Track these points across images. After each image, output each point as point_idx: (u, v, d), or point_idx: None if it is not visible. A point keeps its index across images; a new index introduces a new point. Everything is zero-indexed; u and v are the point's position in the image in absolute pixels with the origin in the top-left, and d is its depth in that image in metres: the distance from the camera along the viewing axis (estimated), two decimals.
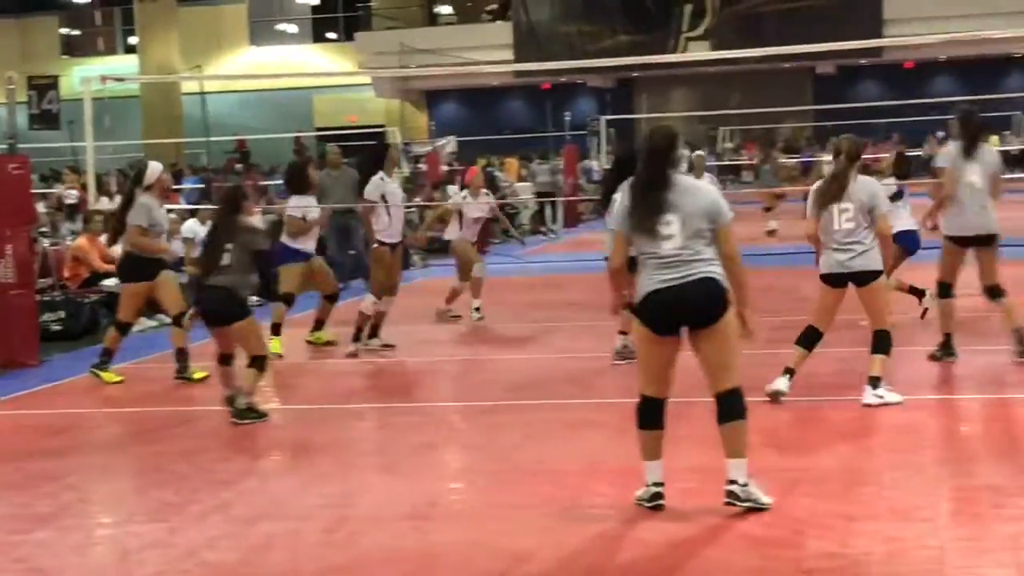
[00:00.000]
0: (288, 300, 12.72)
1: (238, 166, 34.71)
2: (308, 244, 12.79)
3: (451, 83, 47.92)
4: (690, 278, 6.31)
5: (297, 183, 12.99)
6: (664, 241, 6.33)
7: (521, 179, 33.07)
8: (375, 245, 12.46)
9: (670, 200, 6.34)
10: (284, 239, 12.60)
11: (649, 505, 6.53)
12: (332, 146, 19.19)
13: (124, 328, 11.42)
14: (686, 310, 6.35)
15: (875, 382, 8.78)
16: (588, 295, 15.61)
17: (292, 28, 50.91)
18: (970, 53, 42.41)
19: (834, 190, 8.90)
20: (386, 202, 12.37)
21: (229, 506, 7.23)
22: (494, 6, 48.52)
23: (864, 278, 8.83)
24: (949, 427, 8.53)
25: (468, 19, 49.50)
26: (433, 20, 50.27)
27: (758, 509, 6.35)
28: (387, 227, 12.36)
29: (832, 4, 41.46)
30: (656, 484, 6.55)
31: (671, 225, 6.32)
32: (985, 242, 10.22)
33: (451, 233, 14.71)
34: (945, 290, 10.34)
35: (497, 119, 47.12)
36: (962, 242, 10.26)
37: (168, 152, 35.98)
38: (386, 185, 12.49)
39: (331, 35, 50.84)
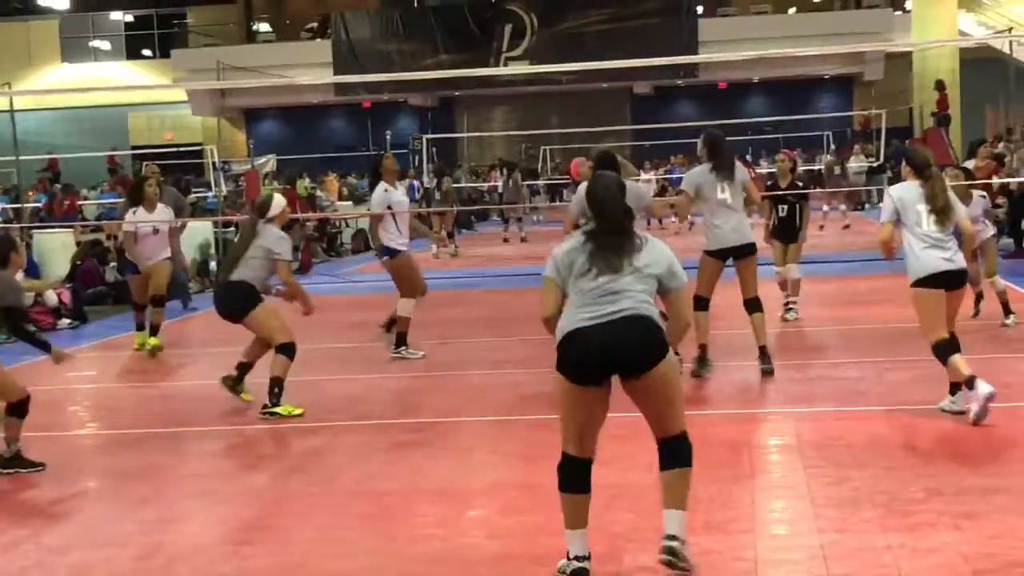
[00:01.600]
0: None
1: (57, 186, 33.80)
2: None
3: (270, 101, 47.46)
4: (620, 314, 5.53)
5: (134, 196, 14.10)
6: (601, 278, 5.62)
7: (342, 197, 32.92)
8: (394, 254, 12.51)
9: (626, 248, 5.65)
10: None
11: None
12: (151, 164, 18.83)
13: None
14: (614, 355, 5.52)
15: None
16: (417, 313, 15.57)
17: (105, 45, 49.83)
18: (782, 74, 43.67)
19: None
20: (392, 211, 12.55)
21: (39, 534, 7.02)
22: (313, 24, 48.21)
23: None
24: (763, 441, 8.70)
25: (287, 37, 49.09)
26: (251, 38, 49.75)
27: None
28: (399, 234, 12.54)
29: (649, 25, 42.26)
30: (578, 558, 5.64)
31: (619, 274, 5.61)
32: (743, 254, 10.57)
33: None
34: (703, 304, 10.65)
35: (317, 137, 46.79)
36: (720, 255, 10.67)
37: None
38: (391, 195, 12.67)
39: (146, 52, 49.91)
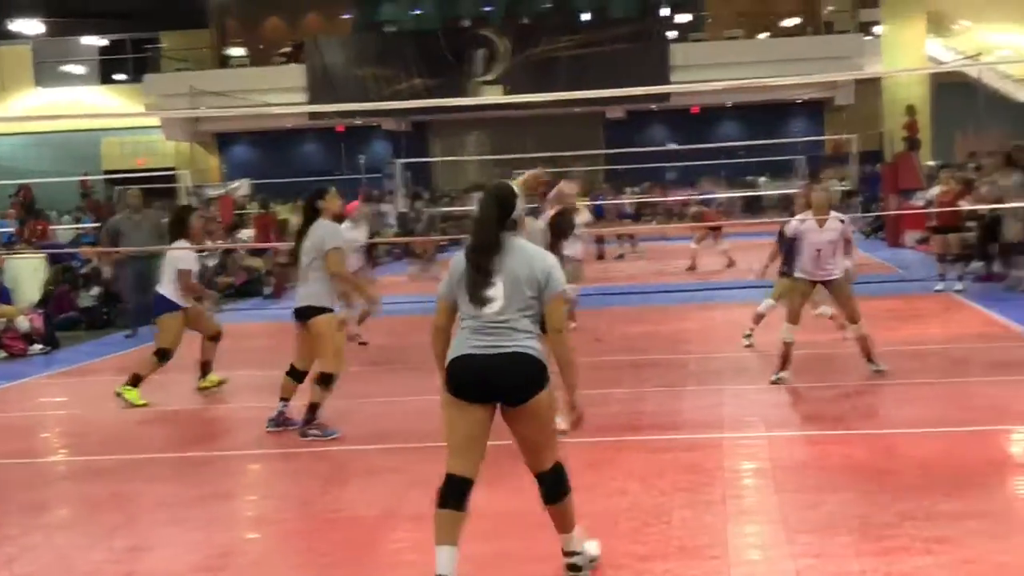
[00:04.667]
0: (165, 356, 12.06)
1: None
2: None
3: (243, 125, 47.39)
4: (503, 349, 5.78)
5: (178, 229, 12.39)
6: (486, 306, 5.84)
7: None
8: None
9: (498, 263, 5.87)
10: (163, 290, 12.08)
11: None
12: (134, 189, 18.81)
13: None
14: (493, 381, 5.79)
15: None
16: (390, 338, 15.59)
17: (79, 69, 49.69)
18: (754, 99, 43.91)
19: None
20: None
21: (12, 562, 6.97)
22: (287, 49, 48.21)
23: None
24: (737, 465, 8.71)
25: (260, 62, 49.07)
26: (224, 63, 49.69)
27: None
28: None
29: (621, 51, 42.41)
30: None
31: (495, 287, 5.83)
32: None
33: None
34: None
35: (291, 162, 46.75)
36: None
37: None
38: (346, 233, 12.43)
39: (119, 77, 49.79)
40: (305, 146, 49.53)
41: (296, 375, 10.40)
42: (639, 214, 39.28)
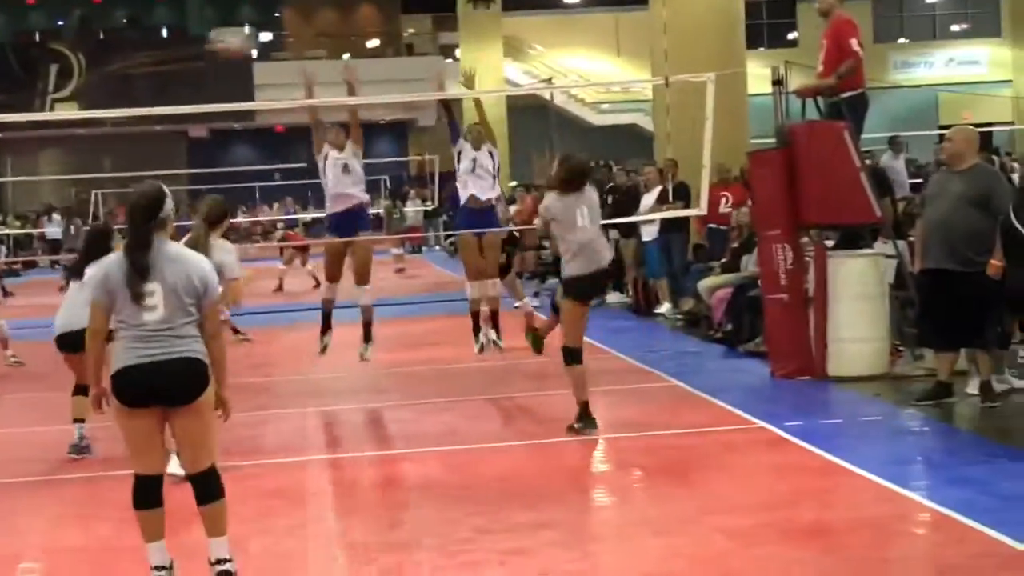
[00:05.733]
0: None
1: None
2: None
3: None
4: (171, 355, 5.92)
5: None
6: (146, 312, 5.91)
7: None
8: None
9: (153, 267, 5.94)
10: None
11: None
12: None
13: None
14: (164, 387, 5.94)
15: None
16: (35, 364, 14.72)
17: None
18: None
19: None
20: None
21: None
22: None
23: None
24: (312, 488, 8.67)
25: None
26: None
27: None
28: None
29: (203, 69, 41.82)
30: (160, 568, 6.09)
31: (154, 296, 5.91)
32: None
33: None
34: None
35: None
36: None
37: None
38: None
39: None
40: None
41: None
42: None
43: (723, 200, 16.20)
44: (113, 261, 6.10)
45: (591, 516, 7.73)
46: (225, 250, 9.31)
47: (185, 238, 8.49)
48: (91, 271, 8.98)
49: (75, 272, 9.57)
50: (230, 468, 8.46)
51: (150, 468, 6.09)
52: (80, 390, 9.67)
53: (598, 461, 9.26)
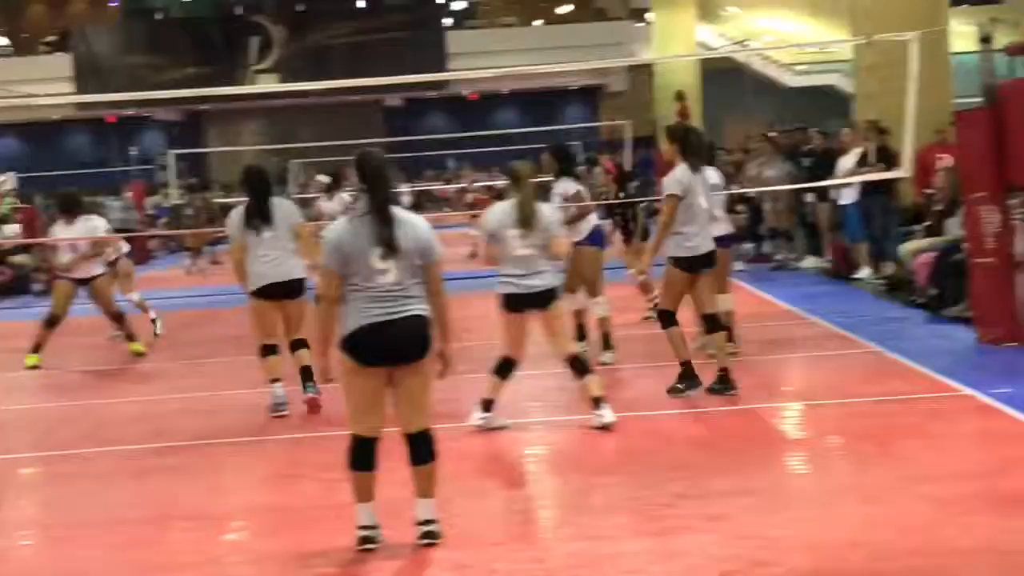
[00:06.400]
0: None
1: None
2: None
3: (7, 117, 45.67)
4: (403, 314, 6.17)
5: None
6: (380, 275, 6.16)
7: None
8: None
9: (389, 233, 6.18)
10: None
11: (360, 548, 6.28)
12: None
13: None
14: (397, 346, 6.18)
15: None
16: (162, 337, 15.19)
17: None
18: (531, 86, 44.34)
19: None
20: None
21: None
22: (53, 37, 46.67)
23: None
24: (518, 451, 8.74)
25: (24, 51, 47.40)
26: None
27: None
28: None
29: (397, 39, 42.32)
30: (367, 527, 6.32)
31: (388, 259, 6.17)
32: None
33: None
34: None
35: (60, 154, 45.29)
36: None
37: None
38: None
39: None
40: (74, 138, 48.07)
41: None
42: (416, 203, 39.21)
43: (939, 162, 15.74)
44: (345, 227, 6.27)
45: (792, 483, 7.63)
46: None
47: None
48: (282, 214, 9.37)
49: (263, 218, 9.83)
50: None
51: (371, 430, 6.26)
52: (269, 350, 9.96)
53: (798, 427, 9.15)
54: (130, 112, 44.57)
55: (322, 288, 6.36)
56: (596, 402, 8.80)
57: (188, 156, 38.08)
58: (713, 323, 9.91)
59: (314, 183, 32.75)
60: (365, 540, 6.29)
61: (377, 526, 6.32)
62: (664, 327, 9.79)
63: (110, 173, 37.51)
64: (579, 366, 8.92)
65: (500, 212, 8.92)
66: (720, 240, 10.46)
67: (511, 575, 5.91)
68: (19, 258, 23.18)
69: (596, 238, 11.66)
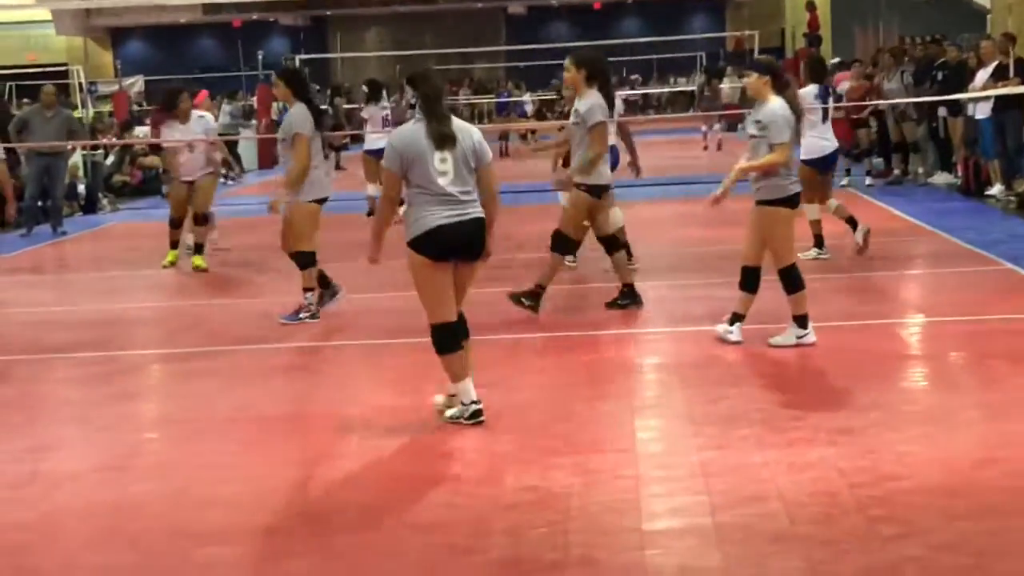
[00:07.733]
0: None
1: None
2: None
3: (136, 19, 46.29)
4: (467, 216, 6.77)
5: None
6: (441, 177, 6.70)
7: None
8: None
9: (447, 136, 6.71)
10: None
11: (470, 422, 6.84)
12: (48, 85, 18.29)
13: None
14: (465, 244, 6.80)
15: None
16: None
17: None
18: None
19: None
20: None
21: None
22: None
23: None
24: (642, 361, 8.76)
25: None
26: None
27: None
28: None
29: None
30: (474, 401, 6.86)
31: (446, 163, 6.71)
32: None
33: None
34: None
35: (187, 58, 45.84)
36: None
37: None
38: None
39: None
40: (201, 42, 48.61)
41: None
42: (538, 112, 39.07)
43: None
44: (408, 132, 6.83)
45: (921, 398, 7.55)
46: None
47: None
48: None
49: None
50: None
51: (451, 315, 6.86)
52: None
53: (925, 344, 9.05)
54: (255, 16, 44.86)
55: (384, 188, 6.98)
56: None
57: (313, 61, 38.30)
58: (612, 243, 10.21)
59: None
60: (476, 413, 6.86)
61: (478, 401, 6.89)
62: None
63: (237, 78, 37.87)
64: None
65: None
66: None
67: (638, 480, 5.95)
68: (148, 160, 23.55)
69: None
